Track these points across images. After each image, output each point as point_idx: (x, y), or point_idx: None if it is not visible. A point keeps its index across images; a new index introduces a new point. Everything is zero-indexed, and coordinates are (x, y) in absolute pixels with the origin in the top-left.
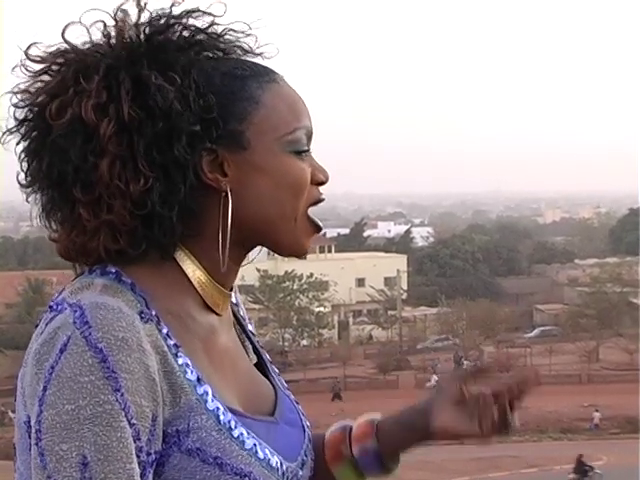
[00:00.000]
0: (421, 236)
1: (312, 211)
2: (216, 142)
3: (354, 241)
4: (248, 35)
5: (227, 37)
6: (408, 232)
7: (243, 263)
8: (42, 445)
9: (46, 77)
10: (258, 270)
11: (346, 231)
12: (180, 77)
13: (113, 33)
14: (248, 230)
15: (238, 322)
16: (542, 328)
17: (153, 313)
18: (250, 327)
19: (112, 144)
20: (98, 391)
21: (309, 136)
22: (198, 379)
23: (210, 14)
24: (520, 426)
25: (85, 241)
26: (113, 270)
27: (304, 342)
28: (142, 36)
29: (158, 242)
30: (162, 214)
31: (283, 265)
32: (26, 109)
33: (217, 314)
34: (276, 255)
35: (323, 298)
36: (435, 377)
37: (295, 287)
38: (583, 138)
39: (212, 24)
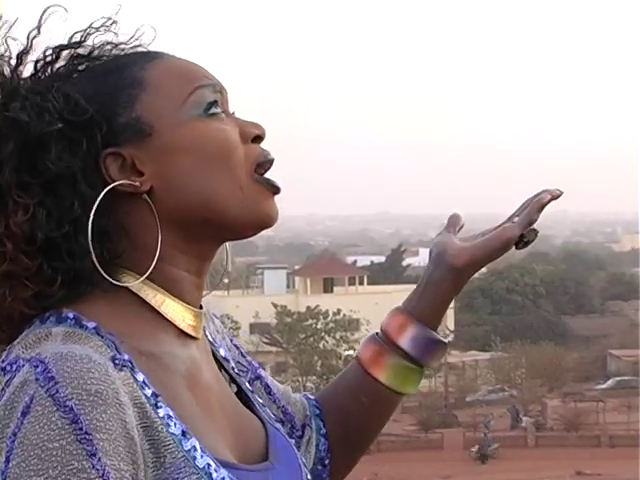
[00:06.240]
0: None
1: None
2: (117, 143)
3: (390, 271)
4: (108, 29)
5: (94, 40)
6: None
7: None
8: None
9: None
10: (275, 306)
11: (381, 259)
12: (41, 90)
13: None
14: (191, 223)
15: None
16: (618, 378)
17: (126, 358)
18: (222, 352)
19: None
20: (71, 458)
21: (220, 91)
22: (183, 432)
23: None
24: None
25: None
26: (71, 315)
27: None
28: None
29: (75, 270)
30: (53, 237)
31: (305, 300)
32: None
33: (194, 338)
34: (297, 288)
35: (353, 339)
36: None
37: (319, 326)
38: None
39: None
